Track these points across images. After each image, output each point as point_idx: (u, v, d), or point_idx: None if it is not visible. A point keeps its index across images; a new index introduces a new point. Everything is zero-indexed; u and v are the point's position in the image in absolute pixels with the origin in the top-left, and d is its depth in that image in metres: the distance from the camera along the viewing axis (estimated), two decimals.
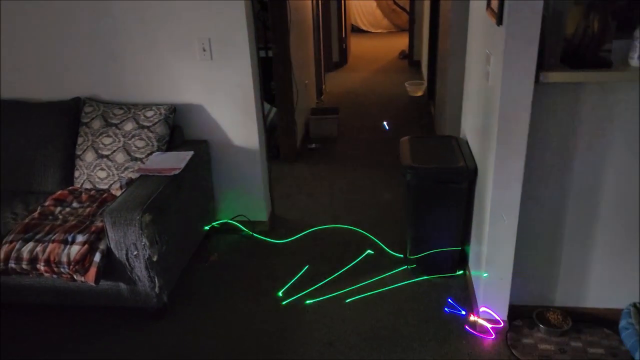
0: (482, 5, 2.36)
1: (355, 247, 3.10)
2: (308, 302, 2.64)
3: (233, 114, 3.03)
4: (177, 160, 2.76)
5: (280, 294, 2.71)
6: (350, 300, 2.64)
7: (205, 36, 2.86)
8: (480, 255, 2.36)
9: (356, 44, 8.99)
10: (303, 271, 2.89)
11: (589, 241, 2.28)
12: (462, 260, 2.78)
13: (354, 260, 2.97)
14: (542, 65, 1.92)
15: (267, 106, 4.41)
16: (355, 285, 2.75)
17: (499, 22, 1.93)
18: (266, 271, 2.92)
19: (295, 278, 2.83)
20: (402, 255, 2.96)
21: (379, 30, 10.13)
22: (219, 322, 2.54)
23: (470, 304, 2.56)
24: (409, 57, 7.72)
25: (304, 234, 3.27)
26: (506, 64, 1.92)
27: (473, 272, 2.61)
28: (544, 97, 2.01)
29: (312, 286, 2.76)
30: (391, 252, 3.02)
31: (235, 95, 2.98)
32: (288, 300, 2.66)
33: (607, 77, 1.93)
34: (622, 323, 2.28)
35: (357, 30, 9.99)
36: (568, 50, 2.00)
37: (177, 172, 2.65)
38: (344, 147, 4.76)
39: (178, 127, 3.02)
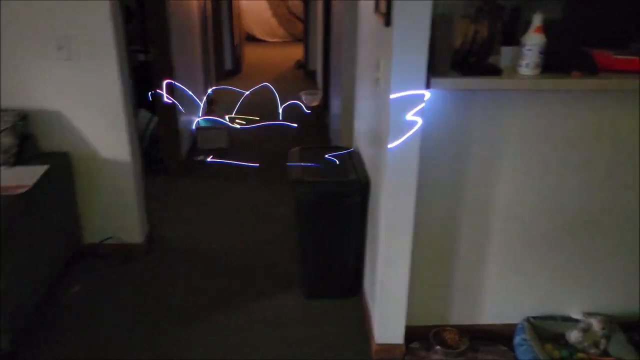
0: (370, 7, 2.21)
1: (243, 268, 2.83)
2: (191, 333, 2.32)
3: (99, 122, 2.64)
4: (26, 176, 2.33)
5: (156, 327, 2.37)
6: (238, 329, 2.36)
7: (62, 33, 2.46)
8: (376, 275, 2.19)
9: (251, 53, 8.74)
10: (182, 299, 2.57)
11: (481, 257, 2.19)
12: (357, 281, 2.60)
13: (242, 284, 2.69)
14: (433, 71, 1.79)
15: (147, 115, 4.02)
16: (242, 311, 2.48)
17: (387, 22, 1.77)
18: (139, 301, 2.55)
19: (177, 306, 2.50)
20: (295, 276, 2.73)
21: (275, 40, 9.97)
22: None
23: (366, 327, 2.38)
24: (305, 67, 7.61)
25: (186, 256, 2.93)
26: (396, 68, 1.76)
27: (368, 292, 2.44)
28: (435, 104, 1.88)
29: (194, 315, 2.44)
30: (283, 273, 2.79)
31: (100, 101, 2.60)
32: (165, 333, 2.32)
33: (497, 85, 1.85)
34: (517, 339, 2.22)
35: (252, 39, 9.75)
36: (458, 58, 1.89)
37: (24, 190, 2.22)
38: (235, 159, 4.46)
39: (31, 137, 2.58)
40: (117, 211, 2.84)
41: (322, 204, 2.39)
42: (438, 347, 2.20)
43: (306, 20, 7.37)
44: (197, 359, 2.19)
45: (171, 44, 3.70)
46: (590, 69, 1.81)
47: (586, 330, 2.17)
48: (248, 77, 7.44)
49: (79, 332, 2.34)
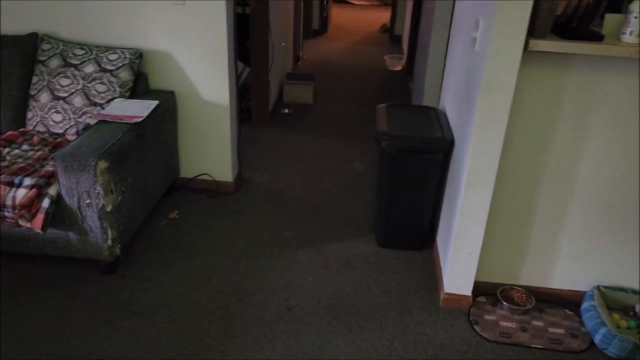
0: None
1: (321, 214, 3.01)
2: (272, 263, 2.55)
3: (204, 66, 2.86)
4: (140, 109, 2.59)
5: (240, 255, 2.61)
6: (313, 267, 2.56)
7: None
8: (450, 229, 2.30)
9: (338, 14, 8.81)
10: (265, 234, 2.80)
11: (559, 222, 2.24)
12: (430, 235, 2.72)
13: (319, 227, 2.88)
14: (532, 32, 1.83)
15: (240, 65, 4.24)
16: (319, 251, 2.67)
17: None
18: (227, 232, 2.80)
19: (258, 240, 2.73)
20: (369, 226, 2.88)
21: (362, 2, 9.94)
22: (175, 280, 2.42)
23: (435, 277, 2.50)
24: (390, 31, 7.59)
25: (270, 198, 3.16)
26: (496, 28, 1.82)
27: (440, 246, 2.56)
28: (531, 66, 1.93)
29: (275, 250, 2.67)
30: (358, 221, 2.95)
31: (207, 46, 2.81)
32: (248, 262, 2.56)
33: (597, 51, 1.85)
34: (585, 305, 2.27)
35: (339, 0, 9.79)
36: (560, 21, 1.91)
37: (139, 120, 2.48)
38: (317, 114, 4.63)
39: (143, 74, 2.84)
40: (212, 150, 3.08)
41: (406, 158, 2.51)
42: (504, 303, 2.30)
43: None
44: (277, 285, 2.42)
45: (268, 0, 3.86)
46: None
47: None
48: (333, 38, 7.53)
49: (172, 251, 2.62)
